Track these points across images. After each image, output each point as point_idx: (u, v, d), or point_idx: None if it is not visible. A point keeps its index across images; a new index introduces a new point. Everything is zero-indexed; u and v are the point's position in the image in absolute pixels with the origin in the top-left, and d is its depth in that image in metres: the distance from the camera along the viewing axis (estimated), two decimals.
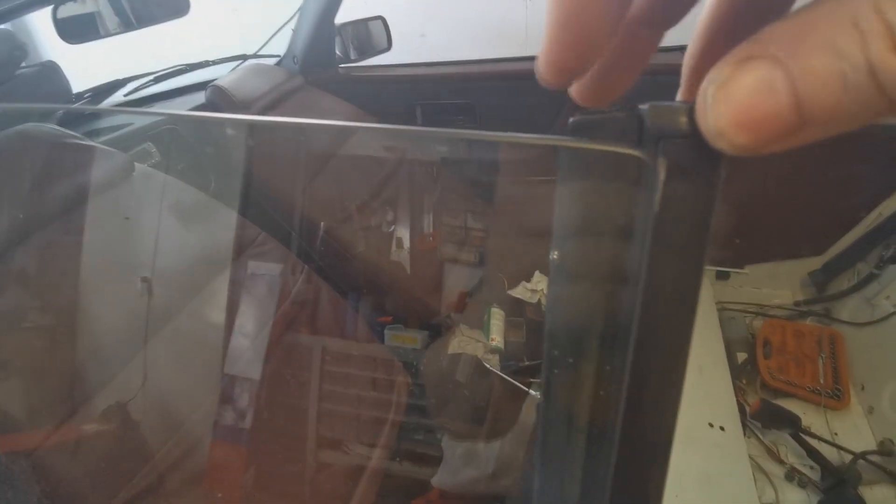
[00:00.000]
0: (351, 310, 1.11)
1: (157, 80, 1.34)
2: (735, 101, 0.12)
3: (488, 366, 1.27)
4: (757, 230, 1.33)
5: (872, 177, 1.19)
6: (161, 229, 0.90)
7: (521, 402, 1.22)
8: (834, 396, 1.11)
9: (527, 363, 1.33)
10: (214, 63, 1.47)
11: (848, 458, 1.00)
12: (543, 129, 1.36)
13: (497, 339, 1.36)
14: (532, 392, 1.21)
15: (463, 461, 1.04)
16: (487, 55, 1.52)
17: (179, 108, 1.27)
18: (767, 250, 1.38)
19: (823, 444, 1.03)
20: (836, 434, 1.07)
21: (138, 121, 1.08)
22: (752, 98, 0.12)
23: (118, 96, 1.32)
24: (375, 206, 1.22)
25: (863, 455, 0.99)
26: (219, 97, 1.21)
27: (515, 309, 1.46)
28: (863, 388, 1.13)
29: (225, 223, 1.01)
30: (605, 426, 0.20)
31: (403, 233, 1.25)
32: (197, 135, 1.22)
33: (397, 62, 1.60)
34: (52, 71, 1.23)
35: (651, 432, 0.19)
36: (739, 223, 1.32)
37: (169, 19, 1.13)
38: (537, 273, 1.50)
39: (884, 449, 1.00)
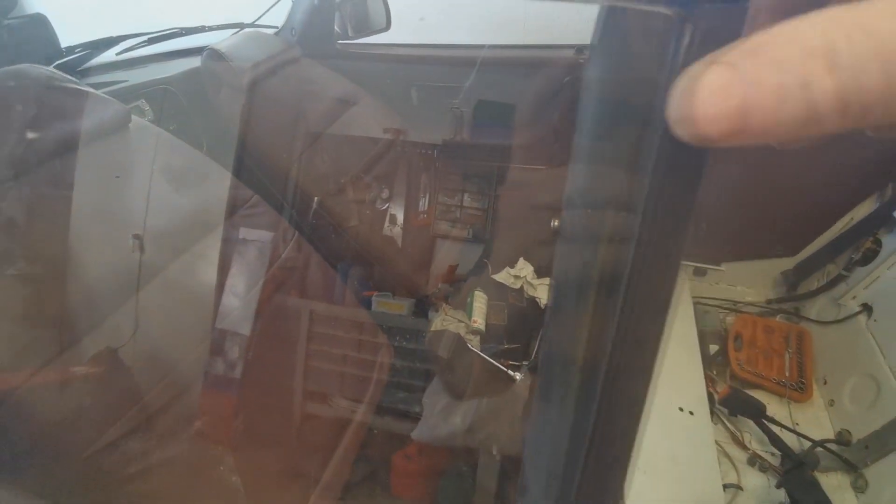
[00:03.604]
0: (339, 279, 1.12)
1: (151, 41, 1.31)
2: (696, 97, 0.14)
3: (470, 346, 1.30)
4: (734, 230, 1.38)
5: (846, 183, 1.24)
6: (152, 189, 0.90)
7: (499, 382, 1.25)
8: (798, 389, 1.16)
9: (507, 346, 1.36)
10: (211, 29, 1.45)
11: (807, 445, 1.05)
12: (540, 118, 1.38)
13: (479, 321, 1.38)
14: (511, 373, 1.24)
15: (441, 417, 1.08)
16: (485, 41, 1.53)
17: (173, 70, 1.25)
18: (743, 250, 1.43)
19: (785, 432, 1.08)
20: (797, 424, 1.12)
21: (132, 78, 1.06)
22: (709, 97, 0.14)
23: (109, 54, 1.30)
24: (371, 183, 1.23)
25: (822, 443, 1.04)
26: (215, 61, 1.20)
27: (498, 293, 1.48)
28: (825, 383, 1.19)
29: (217, 185, 1.01)
30: (596, 361, 0.21)
31: (398, 210, 1.26)
32: (190, 96, 1.21)
33: (395, 42, 1.60)
34: (40, 23, 1.20)
35: (637, 360, 0.20)
36: (717, 223, 1.37)
37: None
38: (521, 260, 1.53)
39: (841, 439, 1.06)
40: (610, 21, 0.16)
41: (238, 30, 1.47)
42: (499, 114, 1.31)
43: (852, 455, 1.02)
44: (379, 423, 1.04)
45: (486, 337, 1.37)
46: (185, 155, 1.01)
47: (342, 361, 0.99)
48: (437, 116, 1.38)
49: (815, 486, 0.87)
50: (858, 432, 1.05)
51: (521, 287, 1.51)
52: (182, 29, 1.37)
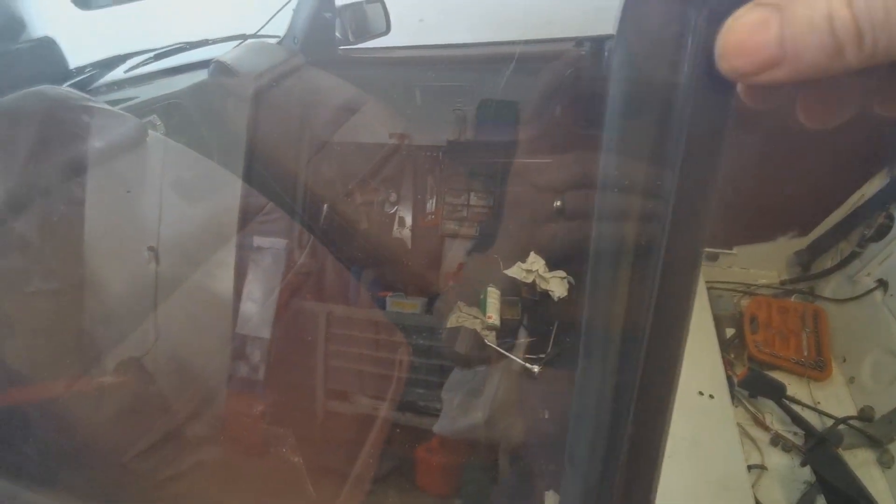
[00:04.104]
0: (354, 281, 1.13)
1: (158, 57, 1.34)
2: (738, 31, 0.16)
3: (487, 341, 1.31)
4: (745, 213, 1.38)
5: (854, 159, 1.24)
6: (164, 201, 0.92)
7: (517, 377, 1.26)
8: (817, 368, 1.16)
9: (521, 340, 1.37)
10: (214, 42, 1.47)
11: (830, 423, 1.05)
12: (543, 113, 1.39)
13: (494, 316, 1.39)
14: (529, 366, 1.25)
15: (460, 410, 1.09)
16: (487, 39, 1.54)
17: (181, 84, 1.27)
18: (755, 232, 1.43)
19: (807, 410, 1.08)
20: (818, 402, 1.12)
21: (143, 94, 1.08)
22: (750, 30, 0.16)
23: (118, 73, 1.32)
24: (378, 187, 1.24)
25: (844, 420, 1.04)
26: (222, 73, 1.22)
27: (511, 289, 1.49)
28: (844, 360, 1.18)
29: (228, 195, 1.03)
30: (638, 321, 0.22)
31: (406, 213, 1.27)
32: (199, 109, 1.23)
33: (396, 45, 1.61)
34: (49, 46, 1.23)
35: (675, 316, 0.22)
36: (728, 206, 1.37)
37: None
38: (532, 254, 1.53)
39: (864, 415, 1.06)
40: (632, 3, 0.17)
41: (241, 41, 1.50)
42: (501, 112, 1.32)
43: (876, 431, 1.01)
44: (401, 418, 1.05)
45: (502, 332, 1.38)
46: (195, 166, 1.03)
47: (361, 360, 1.01)
48: (441, 117, 1.39)
49: (841, 462, 0.88)
50: (881, 408, 1.05)
51: (534, 281, 1.52)
52: (186, 43, 1.39)
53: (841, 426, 1.03)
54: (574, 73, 1.39)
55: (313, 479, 0.83)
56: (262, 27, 1.57)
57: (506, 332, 1.38)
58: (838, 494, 0.80)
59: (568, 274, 1.49)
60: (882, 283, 1.15)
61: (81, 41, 1.36)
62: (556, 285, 1.51)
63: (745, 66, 0.16)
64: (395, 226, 1.26)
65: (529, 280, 1.54)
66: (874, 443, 1.01)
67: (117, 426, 0.71)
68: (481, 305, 1.43)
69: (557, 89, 1.39)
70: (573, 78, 1.40)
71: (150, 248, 0.87)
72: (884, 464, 0.98)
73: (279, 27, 1.56)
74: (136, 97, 1.10)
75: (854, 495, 0.76)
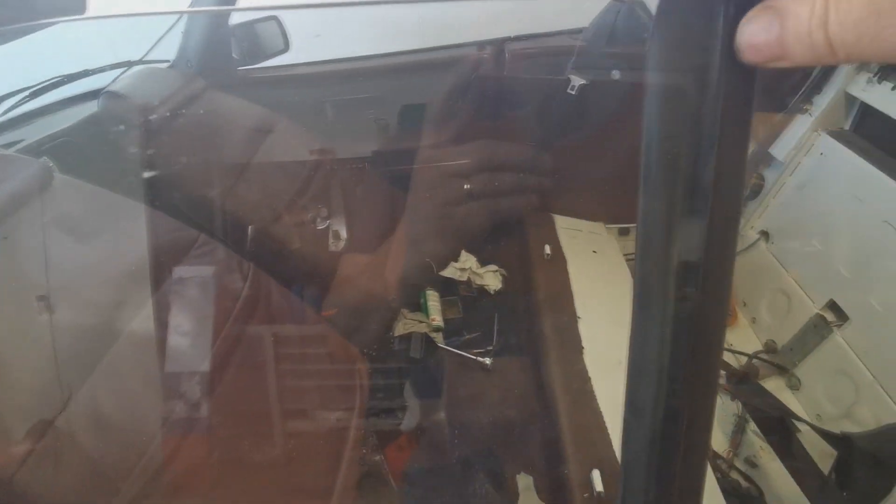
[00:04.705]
0: (297, 300, 1.10)
1: (34, 94, 1.20)
2: (749, 34, 0.20)
3: (438, 344, 1.34)
4: None
5: None
6: (50, 243, 0.84)
7: (472, 372, 1.29)
8: None
9: (467, 336, 1.41)
10: (95, 72, 1.35)
11: (744, 360, 1.20)
12: (454, 115, 1.44)
13: (437, 318, 1.42)
14: (481, 360, 1.29)
15: (423, 409, 1.11)
16: (386, 50, 1.56)
17: (69, 120, 1.15)
18: None
19: (725, 352, 1.22)
20: (731, 344, 1.28)
21: (29, 137, 0.97)
22: (758, 32, 0.20)
23: None
24: (307, 205, 1.22)
25: (755, 355, 1.19)
26: (116, 104, 1.12)
27: (448, 289, 1.53)
28: (745, 305, 1.36)
29: (133, 229, 0.96)
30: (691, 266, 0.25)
31: (340, 226, 1.25)
32: (94, 144, 1.12)
33: (297, 62, 1.58)
34: None
35: (724, 259, 0.25)
36: (631, 184, 1.51)
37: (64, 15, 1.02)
38: (463, 252, 1.58)
39: (769, 348, 1.22)
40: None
41: (127, 68, 1.39)
42: (423, 115, 1.36)
43: (782, 359, 1.18)
44: (367, 424, 1.05)
45: (447, 332, 1.41)
46: (84, 201, 0.94)
47: (316, 376, 0.98)
48: (359, 129, 1.39)
49: (764, 391, 1.01)
50: (782, 339, 1.22)
51: (468, 279, 1.57)
52: (65, 76, 1.26)
53: (754, 361, 1.19)
54: (478, 73, 1.47)
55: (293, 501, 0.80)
56: (148, 52, 1.47)
57: (451, 331, 1.42)
58: (767, 417, 0.92)
59: (485, 251, 1.56)
60: (764, 234, 1.34)
61: None
62: (491, 279, 1.57)
63: (756, 59, 0.20)
64: (331, 239, 1.24)
65: (464, 278, 1.60)
66: (781, 370, 1.17)
67: (44, 499, 0.63)
68: (423, 309, 1.45)
69: (464, 88, 1.46)
70: (477, 77, 1.47)
71: (40, 298, 0.79)
72: (792, 386, 1.15)
73: (166, 51, 1.46)
74: (22, 140, 0.99)
75: (779, 416, 0.88)
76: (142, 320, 0.86)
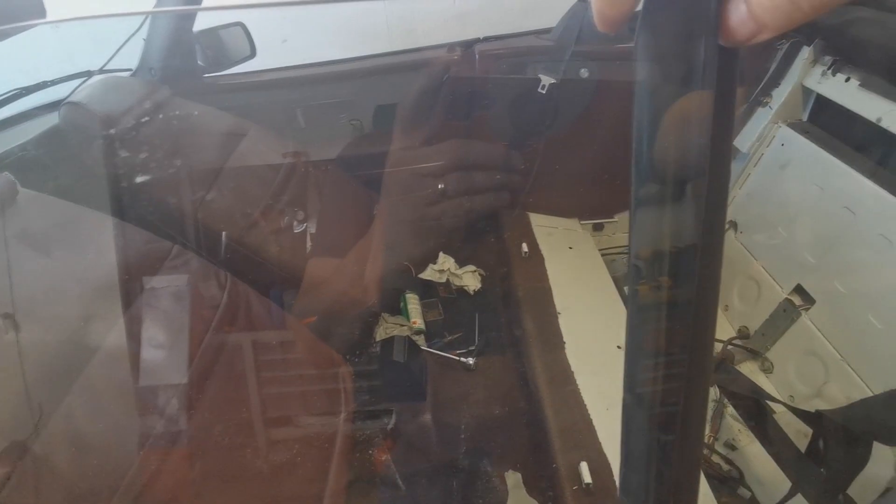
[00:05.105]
0: (279, 308, 1.08)
1: None
2: (726, 14, 0.21)
3: (422, 346, 1.33)
4: (618, 182, 1.56)
5: None
6: (12, 259, 0.81)
7: (455, 373, 1.30)
8: None
9: (449, 338, 1.41)
10: (55, 83, 1.30)
11: (719, 346, 1.24)
12: (426, 116, 1.45)
13: (418, 321, 1.42)
14: (463, 360, 1.30)
15: (410, 409, 1.11)
16: (354, 54, 1.56)
17: (28, 133, 1.11)
18: (627, 199, 1.62)
19: None
20: None
21: None
22: (730, 12, 0.21)
23: None
24: (283, 209, 1.20)
25: (729, 341, 1.23)
26: (78, 116, 1.09)
27: (428, 291, 1.53)
28: None
29: (101, 241, 0.93)
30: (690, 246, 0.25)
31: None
32: (56, 157, 1.08)
33: (264, 68, 1.56)
34: None
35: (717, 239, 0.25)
36: (601, 180, 1.54)
37: (25, 21, 0.98)
38: (441, 254, 1.58)
39: (742, 334, 1.26)
40: None
41: (86, 78, 1.34)
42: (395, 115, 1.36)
43: (754, 344, 1.22)
44: (354, 429, 1.04)
45: (428, 334, 1.41)
46: (49, 216, 0.91)
47: (300, 383, 0.97)
48: (332, 132, 1.38)
49: (739, 375, 1.04)
50: (754, 325, 1.26)
51: (448, 280, 1.58)
52: (21, 89, 1.21)
53: (729, 347, 1.22)
54: (449, 74, 1.48)
55: None
56: (108, 62, 1.42)
57: (433, 333, 1.41)
58: (743, 401, 0.95)
59: (463, 247, 1.56)
60: (732, 224, 1.38)
61: None
62: (470, 279, 1.58)
63: (737, 39, 0.22)
64: (308, 243, 1.22)
65: (443, 280, 1.59)
66: (755, 354, 1.21)
67: None
68: (403, 312, 1.44)
69: (436, 89, 1.47)
70: (449, 78, 1.48)
71: (5, 315, 0.76)
72: (766, 370, 1.19)
73: (127, 60, 1.42)
74: None
75: (756, 398, 0.91)
76: (117, 336, 0.83)
